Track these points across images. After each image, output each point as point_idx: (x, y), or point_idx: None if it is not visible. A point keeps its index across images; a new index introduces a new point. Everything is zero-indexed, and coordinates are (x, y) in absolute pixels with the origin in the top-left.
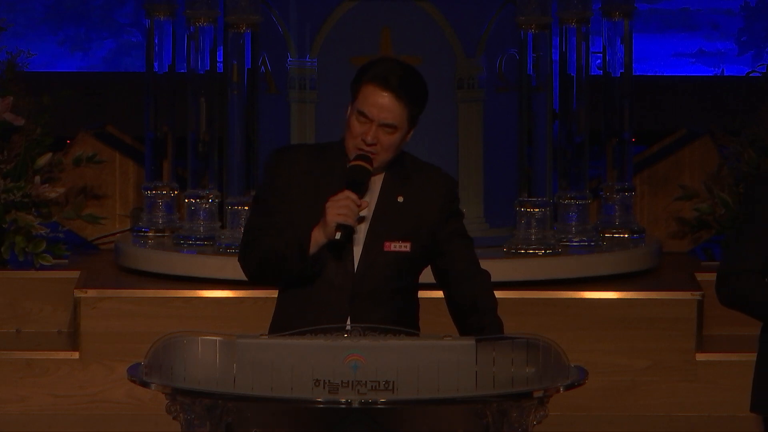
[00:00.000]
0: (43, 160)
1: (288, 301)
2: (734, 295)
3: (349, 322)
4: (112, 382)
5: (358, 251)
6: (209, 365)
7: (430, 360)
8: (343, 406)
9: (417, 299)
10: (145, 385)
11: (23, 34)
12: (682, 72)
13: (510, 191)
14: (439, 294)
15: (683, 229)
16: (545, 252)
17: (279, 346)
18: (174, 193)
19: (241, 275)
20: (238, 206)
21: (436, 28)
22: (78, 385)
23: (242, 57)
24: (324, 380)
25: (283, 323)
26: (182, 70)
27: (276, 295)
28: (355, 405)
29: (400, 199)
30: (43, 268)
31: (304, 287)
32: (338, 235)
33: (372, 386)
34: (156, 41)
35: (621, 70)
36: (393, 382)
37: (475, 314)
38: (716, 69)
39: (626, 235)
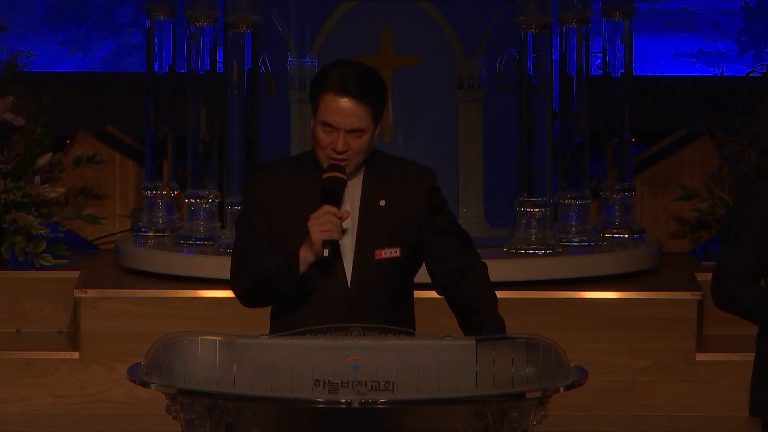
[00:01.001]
0: (43, 160)
1: (283, 319)
2: (727, 298)
3: None
4: (112, 382)
5: (348, 263)
6: (209, 365)
7: (430, 360)
8: (343, 406)
9: (412, 299)
10: (145, 385)
11: (23, 34)
12: (682, 72)
13: (510, 191)
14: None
15: (683, 229)
16: (545, 252)
17: (279, 346)
18: (174, 193)
19: None
20: (238, 206)
21: (436, 28)
22: (78, 385)
23: (242, 57)
24: (324, 380)
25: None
26: (182, 70)
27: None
28: (355, 405)
29: (382, 202)
30: (43, 268)
31: (298, 305)
32: (326, 252)
33: (372, 386)
34: (156, 41)
35: (621, 70)
36: (393, 382)
37: (473, 314)
38: (716, 69)
39: (626, 235)
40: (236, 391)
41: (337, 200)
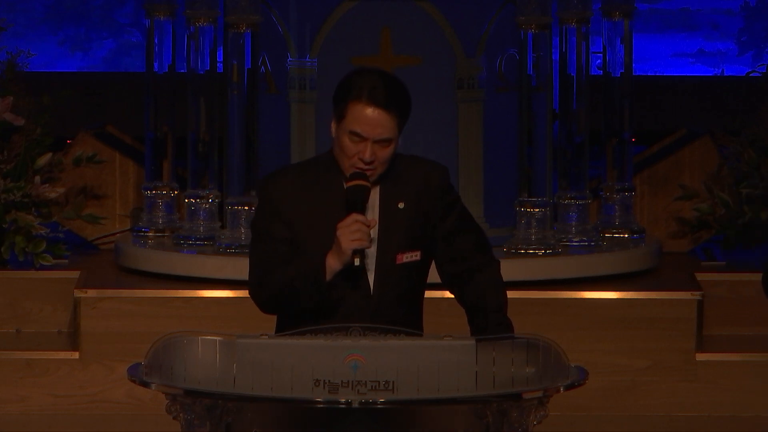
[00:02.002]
0: (43, 160)
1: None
2: None
3: None
4: (112, 382)
5: (371, 268)
6: (209, 365)
7: (430, 360)
8: (343, 406)
9: (423, 301)
10: (145, 385)
11: (23, 34)
12: (682, 72)
13: (510, 191)
14: (441, 294)
15: (683, 229)
16: (545, 252)
17: (279, 346)
18: (174, 193)
19: (240, 275)
20: (238, 206)
21: (436, 28)
22: (78, 385)
23: (242, 57)
24: (324, 380)
25: None
26: (182, 70)
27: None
28: (355, 405)
29: (401, 205)
30: (43, 268)
31: (322, 314)
32: (357, 261)
33: (372, 386)
34: (156, 41)
35: (621, 70)
36: (393, 382)
37: (479, 314)
38: (716, 69)
39: (626, 235)
40: (236, 391)
41: (363, 208)
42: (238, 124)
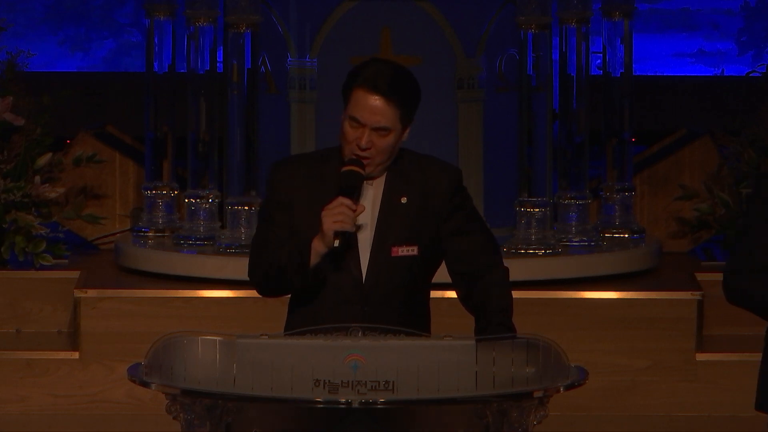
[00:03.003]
0: (43, 160)
1: (300, 313)
2: (740, 292)
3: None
4: (112, 382)
5: (365, 258)
6: (209, 365)
7: (430, 360)
8: (343, 406)
9: (428, 300)
10: (145, 385)
11: (23, 34)
12: (682, 72)
13: (510, 191)
14: (441, 294)
15: (683, 229)
16: (545, 252)
17: (279, 346)
18: (174, 193)
19: (240, 275)
20: (238, 206)
21: (436, 28)
22: (78, 385)
23: (242, 57)
24: (324, 380)
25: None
26: (182, 70)
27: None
28: (355, 405)
29: (404, 200)
30: (43, 268)
31: (313, 299)
32: (337, 243)
33: (372, 386)
34: (156, 41)
35: (621, 70)
36: (393, 382)
37: (483, 315)
38: (716, 69)
39: (626, 235)
40: (236, 391)
41: (353, 194)
42: (238, 124)
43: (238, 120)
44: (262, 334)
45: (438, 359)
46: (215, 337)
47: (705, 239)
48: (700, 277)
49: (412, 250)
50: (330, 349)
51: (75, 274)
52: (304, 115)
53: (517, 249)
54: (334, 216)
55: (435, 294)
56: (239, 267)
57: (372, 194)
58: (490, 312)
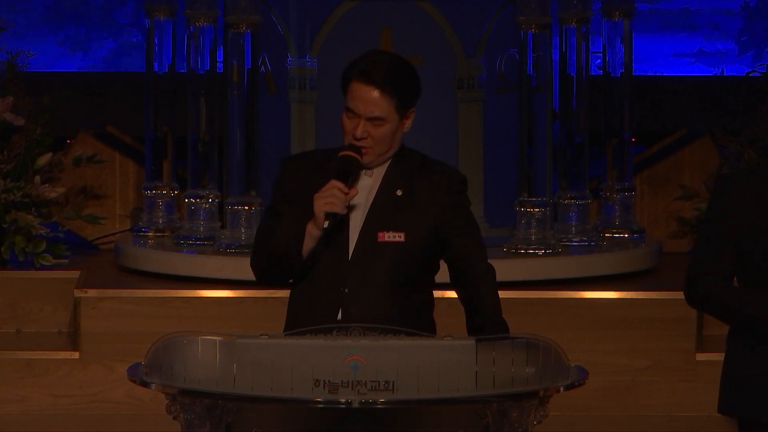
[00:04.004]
0: (43, 160)
1: (294, 295)
2: (700, 297)
3: (340, 313)
4: (112, 382)
5: (354, 241)
6: (209, 365)
7: (430, 360)
8: (343, 406)
9: (430, 298)
10: (145, 385)
11: (23, 34)
12: (682, 72)
13: (510, 191)
14: (441, 294)
15: (683, 229)
16: (545, 252)
17: (279, 346)
18: (174, 193)
19: (240, 275)
20: (238, 206)
21: (436, 28)
22: (78, 385)
23: (242, 57)
24: (324, 380)
25: (290, 318)
26: (182, 70)
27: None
28: (355, 405)
29: (399, 192)
30: (43, 268)
31: (307, 282)
32: (326, 224)
33: (372, 386)
34: (156, 41)
35: (621, 70)
36: (393, 382)
37: (476, 316)
38: (716, 69)
39: (626, 235)
40: (236, 391)
41: (347, 178)
42: (238, 124)
43: (238, 120)
44: (262, 334)
45: (438, 359)
46: (215, 337)
47: None
48: None
49: (398, 236)
50: (330, 349)
51: (75, 274)
52: (304, 115)
53: (517, 249)
54: (326, 198)
55: (435, 294)
56: (239, 267)
57: (370, 183)
58: (484, 310)
